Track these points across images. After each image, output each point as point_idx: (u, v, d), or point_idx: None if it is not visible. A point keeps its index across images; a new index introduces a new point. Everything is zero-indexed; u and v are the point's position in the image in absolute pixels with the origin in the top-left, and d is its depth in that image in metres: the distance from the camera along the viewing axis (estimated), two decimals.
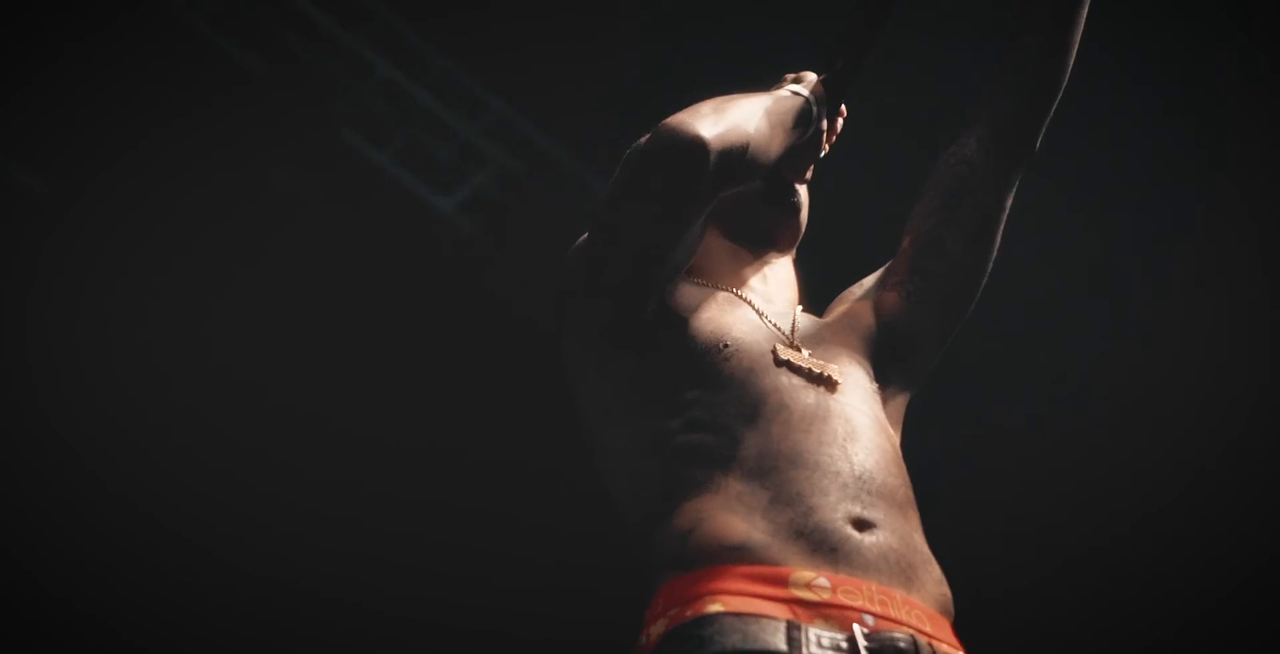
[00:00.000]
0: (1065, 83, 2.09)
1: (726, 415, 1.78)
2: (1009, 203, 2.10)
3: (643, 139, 1.86)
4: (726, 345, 1.85)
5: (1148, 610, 5.13)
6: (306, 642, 5.09)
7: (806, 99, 1.98)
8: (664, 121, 1.78)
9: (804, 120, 1.97)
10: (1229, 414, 4.95)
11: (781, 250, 2.16)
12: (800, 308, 2.11)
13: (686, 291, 1.96)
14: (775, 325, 1.96)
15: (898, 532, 1.72)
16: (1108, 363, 5.08)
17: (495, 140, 5.35)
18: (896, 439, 1.96)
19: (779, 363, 1.85)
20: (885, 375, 2.00)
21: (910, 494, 1.82)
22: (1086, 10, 2.08)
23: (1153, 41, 4.58)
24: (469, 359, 5.14)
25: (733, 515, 1.67)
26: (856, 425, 1.81)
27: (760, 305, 2.01)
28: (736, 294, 2.01)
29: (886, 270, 2.13)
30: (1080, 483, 5.17)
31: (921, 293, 2.06)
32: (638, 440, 1.83)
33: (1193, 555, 5.07)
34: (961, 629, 1.74)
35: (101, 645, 4.85)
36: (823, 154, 2.14)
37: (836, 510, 1.68)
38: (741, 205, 2.09)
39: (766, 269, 2.11)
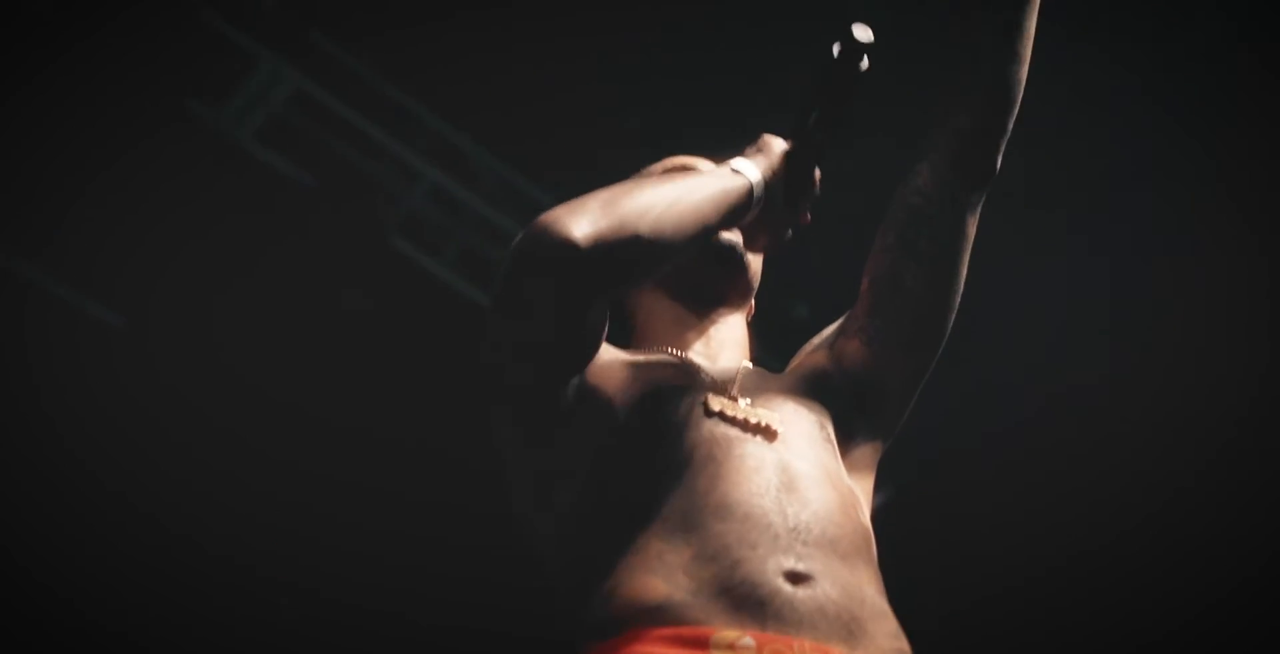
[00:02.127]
0: (1020, 97, 1.92)
1: (652, 471, 1.65)
2: (972, 231, 1.93)
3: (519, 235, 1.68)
4: (652, 400, 1.73)
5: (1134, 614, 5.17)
6: (307, 641, 5.01)
7: (747, 182, 1.78)
8: (539, 218, 1.60)
9: (737, 205, 1.77)
10: (1219, 423, 4.91)
11: (732, 307, 2.03)
12: (749, 363, 1.97)
13: (614, 355, 1.85)
14: (711, 379, 1.84)
15: (840, 583, 1.55)
16: (1098, 373, 5.09)
17: None
18: (858, 489, 1.79)
19: (710, 414, 1.71)
20: (849, 426, 1.85)
21: (863, 545, 1.65)
22: (1035, 20, 1.92)
23: (1152, 47, 4.51)
24: None
25: (652, 575, 1.53)
26: (796, 474, 1.66)
27: (699, 361, 1.89)
28: (672, 352, 1.91)
29: (847, 317, 1.98)
30: (1065, 492, 5.24)
31: (883, 335, 1.90)
32: (564, 506, 1.71)
33: (1181, 561, 5.09)
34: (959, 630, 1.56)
35: (102, 645, 4.77)
36: (787, 233, 1.92)
37: (766, 563, 1.53)
38: (685, 264, 1.96)
39: (712, 329, 1.99)
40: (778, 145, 1.87)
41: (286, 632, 4.95)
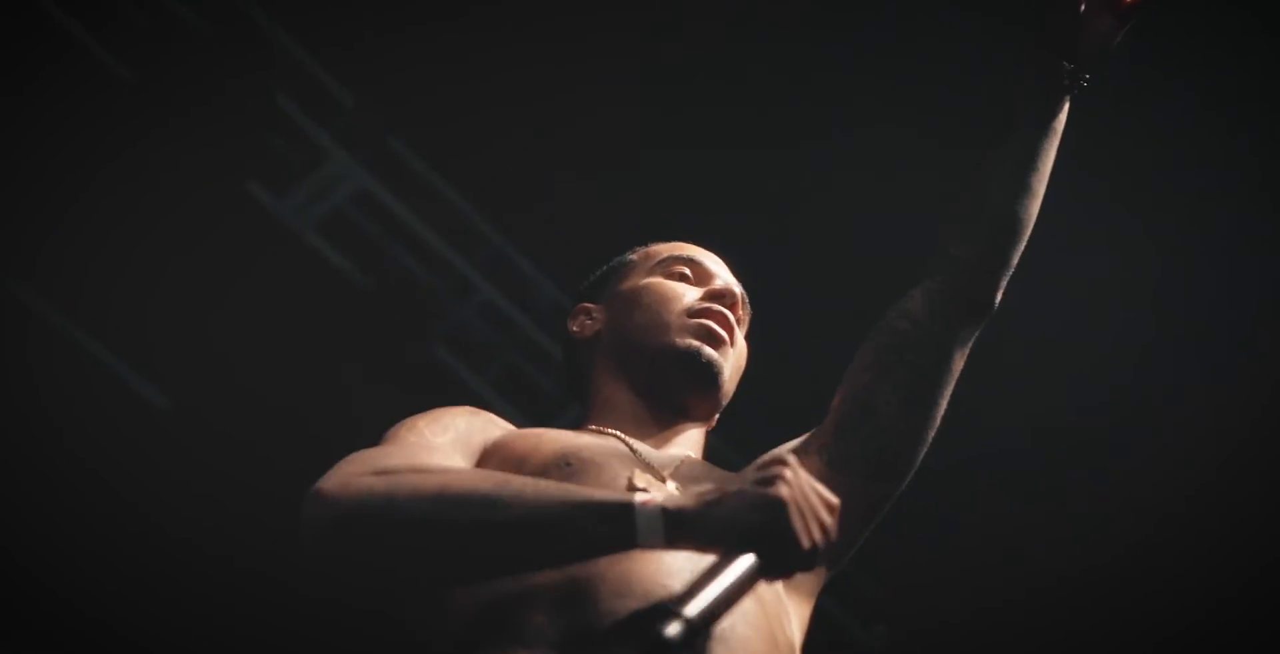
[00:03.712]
0: (1028, 234, 1.82)
1: None
2: (958, 366, 1.81)
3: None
4: (569, 464, 1.61)
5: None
6: (308, 641, 4.91)
7: (628, 533, 1.36)
8: (318, 483, 1.49)
9: (596, 548, 1.42)
10: None
11: (695, 420, 1.88)
12: (694, 454, 1.83)
13: (544, 430, 1.75)
14: (645, 461, 1.70)
15: None
16: None
17: None
18: (791, 608, 1.66)
19: (632, 489, 1.56)
20: None
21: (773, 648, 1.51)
22: (1054, 155, 1.84)
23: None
24: None
25: (523, 648, 1.41)
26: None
27: (637, 445, 1.75)
28: (609, 432, 1.77)
29: (813, 432, 1.83)
30: None
31: (845, 460, 1.76)
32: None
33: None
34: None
35: (102, 645, 4.74)
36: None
37: None
38: (654, 366, 1.84)
39: (669, 432, 1.84)
40: (735, 515, 1.35)
41: (286, 632, 4.86)
